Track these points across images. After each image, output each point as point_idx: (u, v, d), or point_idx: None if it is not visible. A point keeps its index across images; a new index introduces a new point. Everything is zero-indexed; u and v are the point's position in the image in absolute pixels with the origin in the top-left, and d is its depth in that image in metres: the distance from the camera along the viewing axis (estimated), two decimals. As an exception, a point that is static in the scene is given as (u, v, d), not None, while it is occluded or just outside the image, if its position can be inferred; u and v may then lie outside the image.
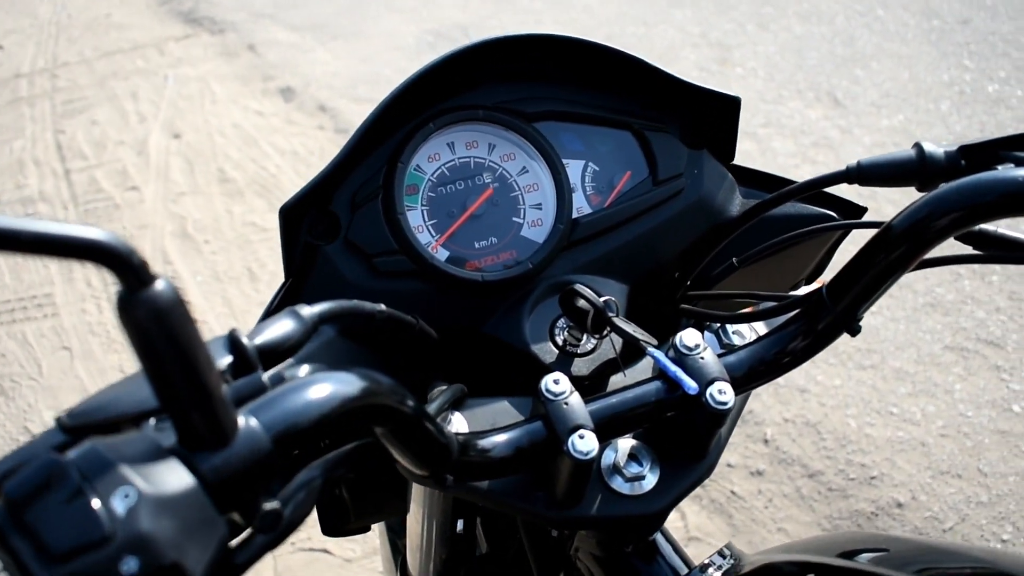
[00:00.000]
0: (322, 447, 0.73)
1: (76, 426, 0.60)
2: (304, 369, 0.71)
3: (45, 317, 3.90)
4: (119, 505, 0.50)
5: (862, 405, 3.14)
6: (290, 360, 0.73)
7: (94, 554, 0.48)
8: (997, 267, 3.47)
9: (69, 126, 5.41)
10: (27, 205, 4.67)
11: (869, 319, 3.37)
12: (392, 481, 1.02)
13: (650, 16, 5.90)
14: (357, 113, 5.11)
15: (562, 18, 5.98)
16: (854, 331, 0.92)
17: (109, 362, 3.64)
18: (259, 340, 0.68)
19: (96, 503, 0.48)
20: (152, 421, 0.59)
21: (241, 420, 0.57)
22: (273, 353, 0.69)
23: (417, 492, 1.18)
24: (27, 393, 3.54)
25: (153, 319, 0.49)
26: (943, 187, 0.84)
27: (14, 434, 3.38)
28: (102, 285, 4.03)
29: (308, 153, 4.80)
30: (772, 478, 2.94)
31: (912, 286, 3.53)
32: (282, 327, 0.71)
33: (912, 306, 3.49)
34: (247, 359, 0.65)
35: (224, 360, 0.63)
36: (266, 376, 0.66)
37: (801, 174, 4.10)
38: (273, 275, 3.96)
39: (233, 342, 0.65)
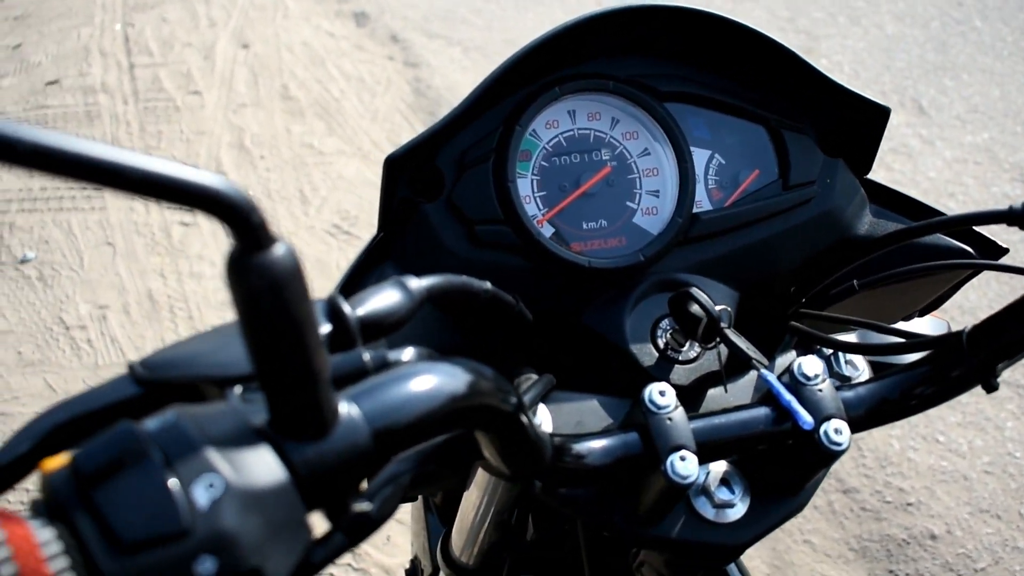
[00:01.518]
0: None
1: (152, 380, 0.54)
2: (408, 352, 0.63)
3: (92, 210, 3.87)
4: (202, 495, 0.44)
5: (908, 428, 3.04)
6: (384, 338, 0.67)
7: (168, 549, 0.41)
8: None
9: (139, 20, 5.35)
10: (87, 94, 4.62)
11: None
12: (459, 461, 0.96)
13: (738, -7, 5.74)
14: (428, 48, 5.02)
15: None
16: (991, 387, 0.84)
17: (151, 264, 3.60)
18: (362, 311, 0.62)
19: (177, 490, 0.42)
20: (238, 389, 0.53)
21: (342, 408, 0.50)
22: (376, 327, 0.62)
23: (481, 476, 1.12)
24: (65, 284, 3.52)
25: (267, 286, 0.43)
26: None
27: (48, 323, 3.36)
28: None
29: (375, 82, 4.71)
30: (804, 487, 2.86)
31: (975, 312, 3.41)
32: (387, 298, 0.65)
33: (972, 332, 3.39)
34: (348, 331, 0.59)
35: (322, 328, 0.57)
36: (367, 355, 0.60)
37: (876, 178, 3.98)
38: (324, 200, 3.90)
39: (333, 310, 0.60)
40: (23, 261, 3.62)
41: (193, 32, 5.22)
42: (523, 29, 5.22)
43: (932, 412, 3.07)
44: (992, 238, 1.10)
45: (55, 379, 3.15)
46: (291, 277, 0.44)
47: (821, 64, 4.82)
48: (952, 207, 3.91)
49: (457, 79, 4.72)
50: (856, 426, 0.85)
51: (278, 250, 0.43)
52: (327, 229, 3.75)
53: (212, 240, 3.71)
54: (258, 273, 0.43)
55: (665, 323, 0.98)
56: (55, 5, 5.52)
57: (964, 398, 3.12)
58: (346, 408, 0.50)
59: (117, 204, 3.89)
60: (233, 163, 4.13)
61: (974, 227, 1.00)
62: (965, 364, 0.84)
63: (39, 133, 0.36)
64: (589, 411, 0.91)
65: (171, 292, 3.48)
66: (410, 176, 1.01)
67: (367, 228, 3.73)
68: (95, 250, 3.68)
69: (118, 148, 0.37)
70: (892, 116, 4.27)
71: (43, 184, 3.99)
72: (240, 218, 0.41)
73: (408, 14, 5.42)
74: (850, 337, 1.13)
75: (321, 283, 3.49)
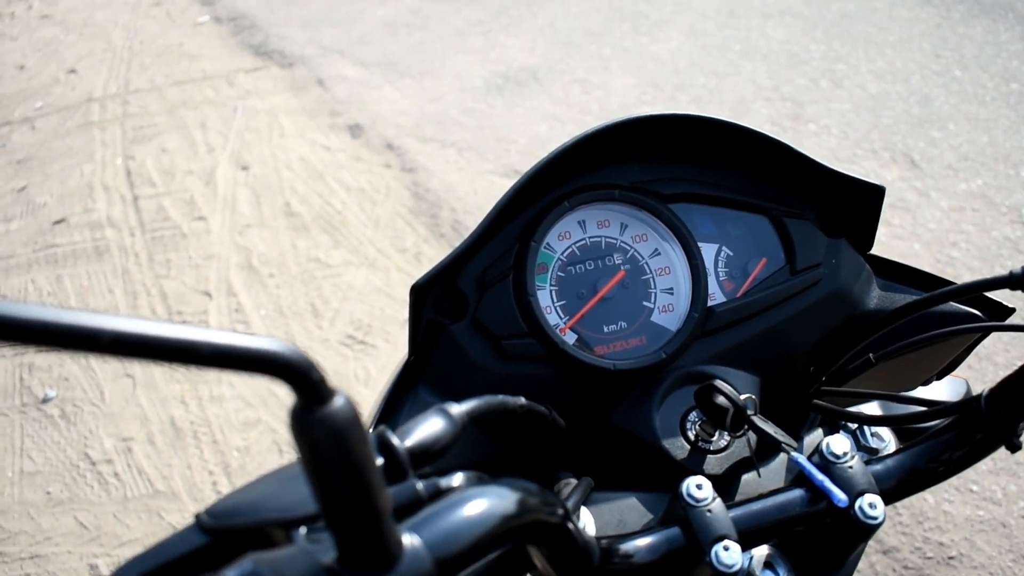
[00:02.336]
0: None
1: (219, 528, 0.56)
2: (458, 478, 0.67)
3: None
4: None
5: (941, 480, 3.02)
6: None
7: None
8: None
9: (139, 152, 5.47)
10: (94, 230, 4.71)
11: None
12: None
13: (721, 67, 5.85)
14: (423, 152, 5.12)
15: (631, 66, 5.96)
16: (1015, 447, 0.87)
17: (171, 392, 3.63)
18: (410, 442, 0.65)
19: None
20: (303, 530, 0.55)
21: (405, 540, 0.54)
22: (424, 456, 0.66)
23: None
24: (88, 419, 3.54)
25: (329, 438, 0.47)
26: None
27: (74, 460, 3.36)
28: (166, 314, 4.04)
29: (374, 190, 4.79)
30: (845, 552, 2.83)
31: (993, 358, 3.42)
32: (432, 427, 0.68)
33: (994, 378, 3.38)
34: (399, 463, 0.63)
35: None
36: (420, 485, 0.64)
37: (877, 237, 4.01)
38: (336, 312, 3.94)
39: (383, 444, 0.63)
40: (45, 400, 3.65)
41: (192, 159, 5.32)
42: (513, 126, 5.33)
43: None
44: (999, 300, 1.12)
45: (85, 516, 3.15)
46: (350, 425, 0.47)
47: (809, 129, 4.91)
48: (955, 255, 3.94)
49: (454, 180, 4.81)
50: (889, 498, 0.87)
51: (337, 402, 0.47)
52: (342, 340, 3.78)
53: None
54: (321, 425, 0.46)
55: (693, 415, 1.01)
56: (56, 146, 5.65)
57: (994, 446, 3.10)
58: (408, 540, 0.53)
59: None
60: (243, 284, 4.18)
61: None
62: (986, 427, 0.87)
63: (114, 321, 0.39)
64: (629, 509, 0.93)
65: (193, 418, 3.49)
66: (435, 300, 1.04)
67: (381, 336, 3.76)
68: (114, 383, 3.70)
69: (182, 325, 0.41)
70: (886, 172, 4.31)
71: (58, 323, 4.03)
72: (300, 377, 0.45)
73: (400, 121, 5.54)
74: (873, 409, 1.15)
75: (341, 394, 3.50)
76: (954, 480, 3.01)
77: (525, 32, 6.72)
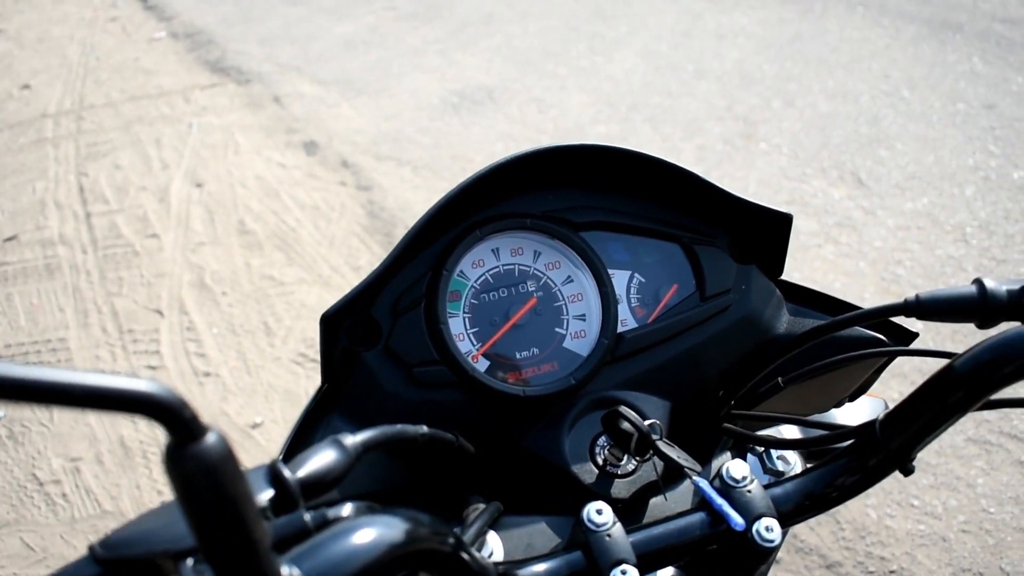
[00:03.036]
0: None
1: (111, 559, 0.57)
2: (347, 508, 0.68)
3: (59, 362, 3.87)
4: None
5: (882, 496, 3.07)
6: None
7: None
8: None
9: (92, 169, 5.43)
10: (46, 247, 4.67)
11: (894, 397, 3.32)
12: None
13: (675, 87, 5.93)
14: (379, 171, 5.13)
15: (587, 85, 6.02)
16: (907, 471, 0.89)
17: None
18: (301, 474, 0.66)
19: None
20: (190, 561, 0.57)
21: (284, 571, 0.55)
22: (316, 487, 0.67)
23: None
24: (36, 439, 3.50)
25: (202, 473, 0.48)
26: (1012, 330, 0.81)
27: (21, 480, 3.33)
28: (117, 332, 4.01)
29: (329, 208, 4.80)
30: (789, 567, 2.87)
31: (909, 376, 3.48)
32: (325, 458, 0.69)
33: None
34: (289, 495, 0.63)
35: (265, 495, 0.62)
36: (308, 516, 0.65)
37: (823, 254, 4.09)
38: (289, 330, 3.93)
39: (275, 476, 0.64)
40: (-8, 421, 3.61)
41: (147, 176, 5.30)
42: (470, 144, 5.36)
43: (904, 478, 3.11)
44: (903, 324, 1.16)
45: (32, 538, 3.11)
46: (224, 460, 0.48)
47: (760, 148, 4.99)
48: (900, 273, 4.01)
49: (409, 198, 4.82)
50: (786, 521, 0.89)
51: (210, 439, 0.48)
52: (293, 359, 3.78)
53: (180, 380, 3.72)
54: (193, 461, 0.47)
55: (602, 440, 1.03)
56: (8, 162, 5.60)
57: (932, 459, 3.16)
58: (287, 571, 0.55)
59: (83, 353, 3.90)
60: (195, 302, 4.17)
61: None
62: (881, 452, 0.89)
63: None
64: (538, 533, 0.95)
65: (143, 437, 3.47)
66: (348, 328, 1.06)
67: (333, 353, 3.75)
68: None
69: (53, 368, 0.42)
70: (834, 191, 4.38)
71: (7, 341, 4.00)
72: (172, 415, 0.46)
73: (356, 139, 5.55)
74: (783, 431, 1.17)
75: (293, 413, 3.49)
76: (896, 495, 3.06)
77: (482, 51, 6.77)
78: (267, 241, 4.58)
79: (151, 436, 3.46)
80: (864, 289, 3.89)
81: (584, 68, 6.33)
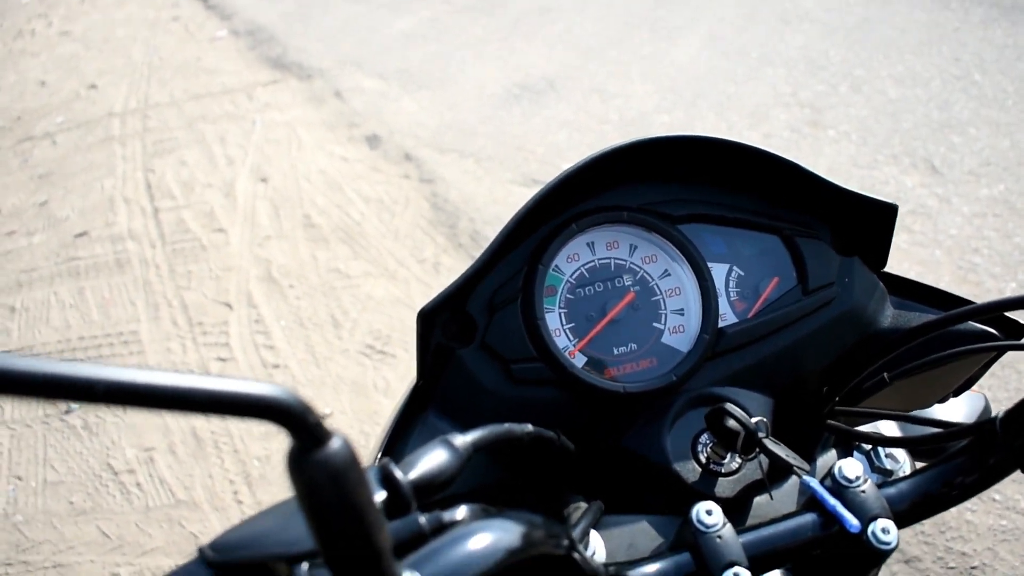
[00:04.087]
0: None
1: (222, 562, 0.56)
2: (461, 511, 0.66)
3: (131, 355, 3.93)
4: None
5: (967, 487, 2.99)
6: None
7: None
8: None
9: (159, 166, 5.50)
10: (115, 243, 4.73)
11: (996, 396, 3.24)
12: None
13: (740, 73, 5.84)
14: (441, 163, 5.12)
15: (650, 73, 5.96)
16: None
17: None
18: (413, 475, 0.65)
19: None
20: (305, 566, 0.56)
21: None
22: (428, 488, 0.65)
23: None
24: (111, 430, 3.55)
25: (327, 480, 0.47)
26: None
27: (97, 470, 3.38)
28: (187, 325, 4.05)
29: (392, 201, 4.80)
30: (871, 560, 2.80)
31: (1015, 365, 3.38)
32: (435, 459, 0.68)
33: (1016, 387, 3.35)
34: (402, 497, 0.62)
35: (377, 496, 0.60)
36: (423, 519, 0.64)
37: (898, 243, 3.98)
38: (355, 323, 3.94)
39: (386, 477, 0.62)
40: (68, 412, 3.66)
41: (212, 172, 5.35)
42: (532, 135, 5.33)
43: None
44: (1015, 318, 1.10)
45: (108, 525, 3.15)
46: (348, 467, 0.47)
47: (828, 135, 4.89)
48: (977, 262, 3.91)
49: (472, 190, 4.81)
50: (902, 522, 0.86)
51: (334, 444, 0.47)
52: (361, 351, 3.78)
53: (249, 372, 3.75)
54: (318, 468, 0.46)
55: (704, 438, 1.00)
56: (77, 160, 5.69)
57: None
58: None
59: (154, 346, 3.95)
60: (263, 295, 4.20)
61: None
62: (1002, 450, 0.86)
63: (109, 371, 0.39)
64: (640, 533, 0.93)
65: (214, 428, 3.50)
66: (443, 324, 1.04)
67: (400, 346, 3.76)
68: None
69: (176, 372, 0.41)
70: (906, 178, 4.29)
71: (81, 334, 4.06)
72: (297, 421, 0.45)
73: (418, 132, 5.55)
74: (888, 429, 1.13)
75: (361, 404, 3.50)
76: (981, 486, 2.97)
77: (542, 41, 6.74)
78: (332, 235, 4.60)
79: (223, 427, 3.49)
80: (940, 278, 3.79)
81: (647, 55, 6.27)
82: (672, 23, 6.79)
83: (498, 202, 4.66)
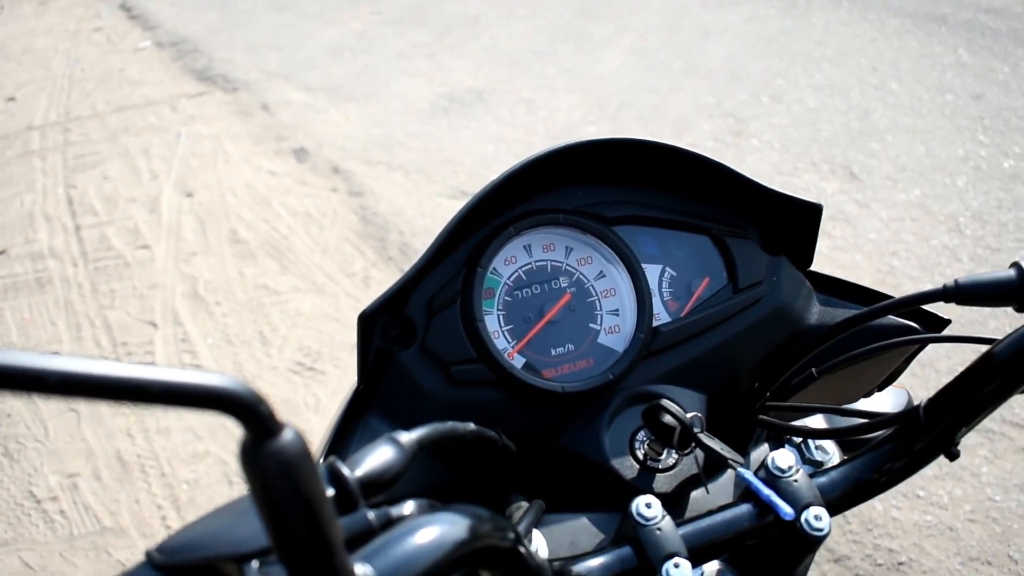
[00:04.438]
0: None
1: (171, 564, 0.57)
2: (409, 506, 0.67)
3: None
4: None
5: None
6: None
7: None
8: None
9: (80, 181, 5.40)
10: (36, 260, 4.63)
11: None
12: None
13: (663, 85, 5.93)
14: (370, 176, 5.11)
15: (575, 85, 6.01)
16: (953, 455, 0.89)
17: (117, 425, 3.57)
18: (360, 472, 0.66)
19: None
20: (255, 564, 0.56)
21: (358, 570, 0.55)
22: (375, 485, 0.67)
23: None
24: (32, 456, 3.48)
25: (279, 471, 0.47)
26: None
27: (18, 498, 3.30)
28: (111, 345, 3.98)
29: (321, 215, 4.78)
30: (796, 564, 2.87)
31: (935, 364, 3.48)
32: (382, 456, 0.69)
33: (935, 385, 3.44)
34: (349, 493, 0.63)
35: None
36: (372, 514, 0.65)
37: (820, 247, 4.07)
38: (284, 339, 3.91)
39: (334, 474, 0.64)
40: (-13, 438, 3.58)
41: (136, 187, 5.27)
42: (460, 147, 5.35)
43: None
44: (935, 312, 1.15)
45: (31, 556, 3.08)
46: (300, 458, 0.48)
47: (751, 144, 4.99)
48: (896, 265, 4.02)
49: (402, 203, 4.81)
50: (834, 509, 0.89)
51: (287, 435, 0.47)
52: (291, 368, 3.76)
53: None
54: (270, 459, 0.47)
55: (641, 435, 1.03)
56: (-5, 177, 5.57)
57: (938, 454, 3.15)
58: (361, 570, 0.55)
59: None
60: (189, 313, 4.14)
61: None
62: (926, 437, 0.90)
63: (60, 360, 0.39)
64: (581, 529, 0.95)
65: (140, 451, 3.44)
66: (383, 327, 1.05)
67: (330, 362, 3.74)
68: (59, 418, 3.64)
69: (128, 363, 0.41)
70: (826, 185, 4.39)
71: None
72: (249, 412, 0.45)
73: (346, 145, 5.53)
74: (817, 422, 1.17)
75: (292, 422, 3.47)
76: (901, 486, 3.05)
77: (469, 53, 6.76)
78: (260, 249, 4.56)
79: (148, 450, 3.44)
80: (860, 281, 3.88)
81: (572, 68, 6.33)
82: (597, 36, 6.86)
83: (427, 215, 4.66)
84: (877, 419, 0.95)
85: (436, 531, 0.60)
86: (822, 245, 4.41)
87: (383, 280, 4.19)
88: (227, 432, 3.46)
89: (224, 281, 4.35)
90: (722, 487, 1.02)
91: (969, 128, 5.17)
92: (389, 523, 0.64)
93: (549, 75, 6.24)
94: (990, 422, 3.27)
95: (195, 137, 5.82)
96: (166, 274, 4.44)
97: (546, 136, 5.40)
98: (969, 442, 3.20)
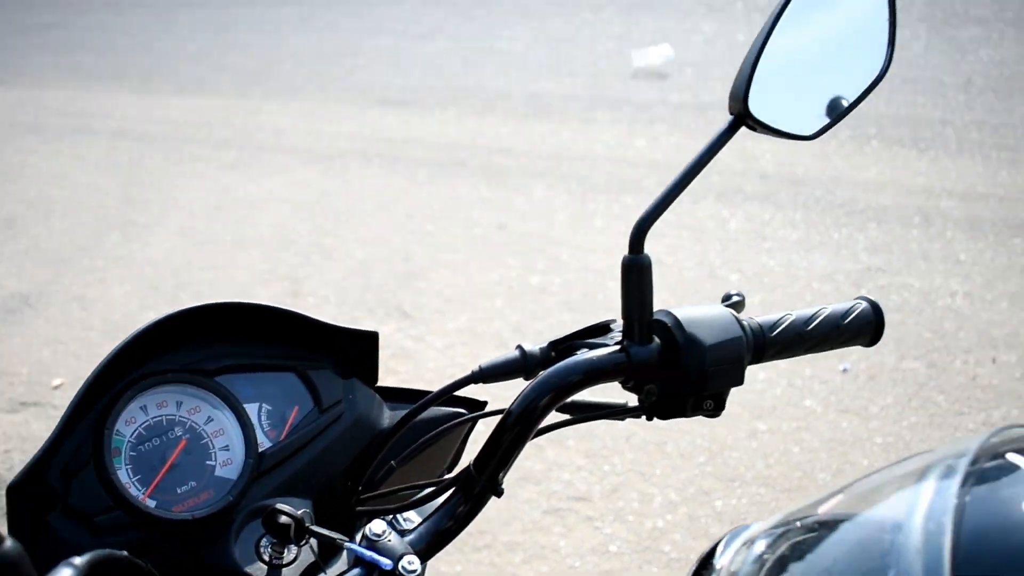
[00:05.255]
0: None
1: None
2: None
3: None
4: None
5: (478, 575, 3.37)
6: None
7: None
8: (568, 431, 3.91)
9: None
10: None
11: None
12: None
13: (217, 259, 6.09)
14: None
15: (127, 274, 5.99)
16: (499, 493, 1.15)
17: None
18: None
19: None
20: None
21: None
22: None
23: None
24: None
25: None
26: (541, 375, 1.12)
27: None
28: None
29: None
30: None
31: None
32: None
33: (507, 483, 3.83)
34: None
35: None
36: None
37: (389, 383, 4.40)
38: None
39: None
40: None
41: None
42: (13, 356, 5.10)
43: (499, 560, 3.44)
44: (474, 397, 1.44)
45: None
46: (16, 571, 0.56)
47: (309, 302, 5.28)
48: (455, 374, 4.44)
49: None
50: (425, 554, 1.12)
51: (6, 545, 0.56)
52: None
53: None
54: None
55: (264, 541, 1.21)
56: None
57: (519, 538, 3.52)
58: None
59: None
60: None
61: (455, 393, 1.28)
62: (478, 484, 1.14)
63: None
64: None
65: None
66: (29, 495, 1.16)
67: None
68: None
69: None
70: (384, 326, 4.77)
71: None
72: None
73: None
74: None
75: None
76: (491, 573, 3.36)
77: (8, 257, 6.47)
78: None
79: None
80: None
81: (122, 257, 6.29)
82: (142, 221, 6.88)
83: (-15, 432, 4.40)
84: (441, 482, 1.20)
85: None
86: (390, 381, 4.69)
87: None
88: None
89: None
90: (339, 567, 1.19)
91: (498, 255, 5.85)
92: None
93: (99, 268, 6.15)
94: (558, 502, 3.70)
95: None
96: None
97: (104, 329, 5.31)
98: (544, 523, 3.60)
